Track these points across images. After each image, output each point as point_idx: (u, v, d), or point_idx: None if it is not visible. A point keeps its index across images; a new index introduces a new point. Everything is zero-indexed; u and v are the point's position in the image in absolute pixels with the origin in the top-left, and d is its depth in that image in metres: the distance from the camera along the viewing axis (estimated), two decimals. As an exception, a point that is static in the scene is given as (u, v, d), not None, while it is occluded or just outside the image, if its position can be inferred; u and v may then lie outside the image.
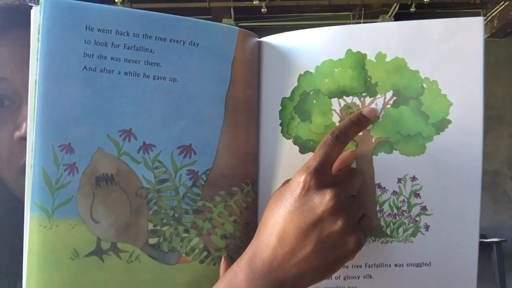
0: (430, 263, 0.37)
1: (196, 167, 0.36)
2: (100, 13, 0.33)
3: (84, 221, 0.35)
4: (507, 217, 3.06)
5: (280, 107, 0.38)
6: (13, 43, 0.44)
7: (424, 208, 0.36)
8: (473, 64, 0.35)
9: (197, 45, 0.35)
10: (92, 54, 0.33)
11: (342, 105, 0.36)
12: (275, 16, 3.15)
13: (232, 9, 2.92)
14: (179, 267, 0.37)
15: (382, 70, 0.36)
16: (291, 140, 0.37)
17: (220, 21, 2.93)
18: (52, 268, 0.34)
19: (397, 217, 0.36)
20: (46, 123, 0.33)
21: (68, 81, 0.33)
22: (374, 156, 0.36)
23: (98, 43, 0.33)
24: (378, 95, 0.36)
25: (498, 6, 3.05)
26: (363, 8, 3.00)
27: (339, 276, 0.37)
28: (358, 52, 0.36)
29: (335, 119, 0.37)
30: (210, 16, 2.98)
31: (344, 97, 0.36)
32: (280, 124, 0.38)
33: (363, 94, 0.36)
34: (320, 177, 0.32)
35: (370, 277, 0.37)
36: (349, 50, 0.36)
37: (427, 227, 0.36)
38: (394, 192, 0.36)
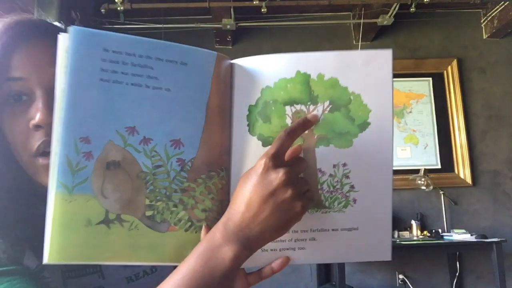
0: (357, 227, 0.49)
1: (184, 156, 0.47)
2: (114, 39, 0.44)
3: (96, 197, 0.45)
4: (507, 217, 3.00)
5: (247, 112, 0.50)
6: (31, 50, 0.53)
7: (352, 187, 0.49)
8: (385, 83, 0.49)
9: (186, 64, 0.47)
10: (107, 69, 0.44)
11: (293, 111, 0.49)
12: (275, 16, 3.12)
13: (232, 9, 2.84)
14: (168, 234, 0.48)
15: (321, 86, 0.49)
16: (256, 137, 0.49)
17: (220, 21, 2.88)
18: (70, 232, 0.44)
19: (333, 193, 0.49)
20: (70, 121, 0.43)
21: (88, 89, 0.44)
22: (316, 148, 0.49)
23: (112, 61, 0.44)
24: (319, 104, 0.49)
25: (498, 6, 3.01)
26: (363, 8, 2.93)
27: (292, 239, 0.49)
28: (305, 73, 0.49)
29: (288, 121, 0.49)
30: (210, 16, 2.92)
31: (295, 105, 0.49)
32: (247, 125, 0.50)
33: (308, 103, 0.49)
34: (276, 160, 0.44)
35: (314, 239, 0.49)
36: (298, 71, 0.49)
37: (354, 200, 0.49)
38: (330, 175, 0.49)
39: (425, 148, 3.08)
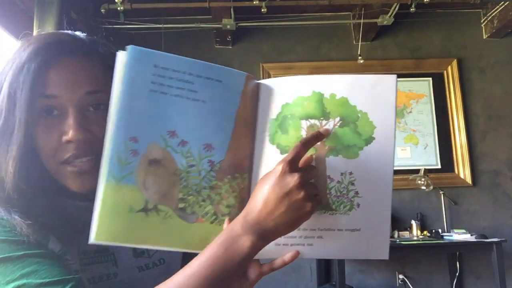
0: (360, 229, 0.57)
1: (214, 158, 0.56)
2: (164, 57, 0.53)
3: (139, 188, 0.53)
4: (507, 217, 3.01)
5: (269, 124, 0.58)
6: (64, 69, 0.58)
7: (356, 193, 0.56)
8: (389, 103, 0.56)
9: (221, 82, 0.55)
10: (156, 82, 0.53)
11: (307, 125, 0.57)
12: (275, 16, 3.11)
13: (232, 9, 2.83)
14: (196, 225, 0.55)
15: (333, 104, 0.57)
16: (275, 146, 0.57)
17: (220, 21, 2.88)
18: (116, 217, 0.52)
19: (340, 198, 0.56)
20: (122, 123, 0.52)
21: (139, 98, 0.53)
22: (326, 158, 0.57)
23: (160, 76, 0.53)
24: (330, 120, 0.57)
25: (498, 6, 3.01)
26: (363, 8, 2.92)
27: (302, 236, 0.56)
28: (319, 92, 0.57)
29: (303, 133, 0.57)
30: (210, 16, 2.92)
31: (309, 120, 0.57)
32: (268, 135, 0.58)
33: (321, 118, 0.57)
34: (292, 166, 0.52)
35: (321, 237, 0.56)
36: (314, 91, 0.57)
37: (358, 205, 0.56)
38: (338, 182, 0.56)
39: (425, 148, 3.08)
